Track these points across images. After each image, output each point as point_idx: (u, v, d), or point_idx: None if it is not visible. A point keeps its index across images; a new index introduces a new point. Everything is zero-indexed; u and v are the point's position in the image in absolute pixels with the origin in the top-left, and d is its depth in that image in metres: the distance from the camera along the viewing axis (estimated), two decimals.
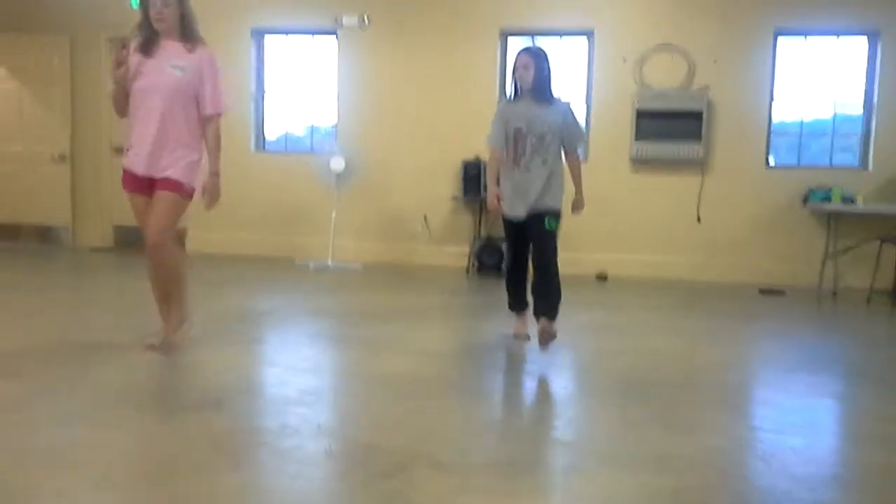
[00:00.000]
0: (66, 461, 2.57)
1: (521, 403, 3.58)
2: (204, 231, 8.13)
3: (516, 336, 4.48)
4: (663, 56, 7.55)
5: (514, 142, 4.14)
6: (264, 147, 8.55)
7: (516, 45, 7.73)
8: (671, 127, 7.44)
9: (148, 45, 3.73)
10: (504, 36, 7.89)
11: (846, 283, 7.05)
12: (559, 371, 3.96)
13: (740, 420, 3.32)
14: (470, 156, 7.54)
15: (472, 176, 7.53)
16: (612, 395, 3.57)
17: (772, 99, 7.52)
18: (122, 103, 3.79)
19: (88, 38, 8.49)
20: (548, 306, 4.12)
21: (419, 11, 7.94)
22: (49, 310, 5.17)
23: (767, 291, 6.85)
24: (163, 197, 3.75)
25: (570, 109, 4.22)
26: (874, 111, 7.34)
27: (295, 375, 3.72)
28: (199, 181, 3.84)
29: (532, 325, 4.32)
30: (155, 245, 3.76)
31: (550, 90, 4.16)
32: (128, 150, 3.84)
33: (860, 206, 6.98)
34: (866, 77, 7.43)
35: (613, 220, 7.61)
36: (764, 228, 7.50)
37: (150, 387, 3.53)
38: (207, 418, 3.04)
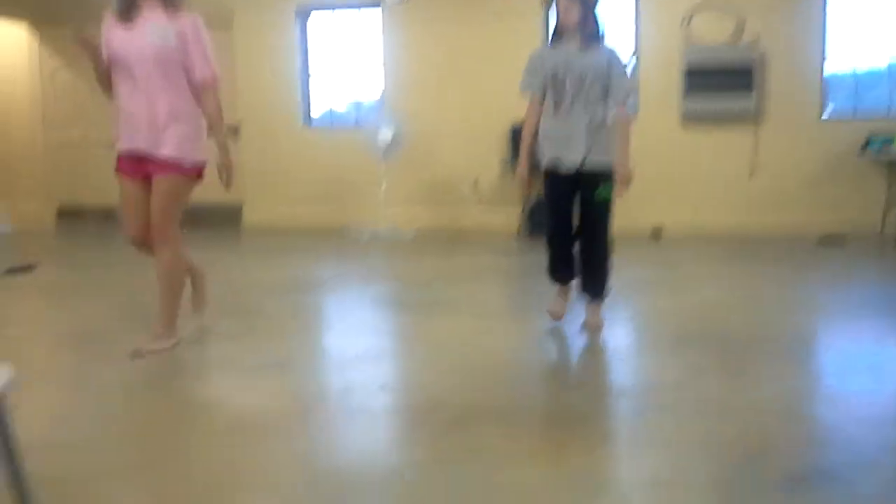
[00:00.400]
0: (137, 420, 2.73)
1: (581, 356, 3.61)
2: (258, 206, 8.29)
3: (550, 313, 3.95)
4: (711, 12, 7.39)
5: (553, 87, 3.77)
6: (312, 123, 8.64)
7: None
8: (721, 82, 7.30)
9: (127, 13, 3.44)
10: (548, 0, 7.80)
11: None
12: (618, 325, 3.96)
13: (803, 366, 3.31)
14: (518, 119, 7.49)
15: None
16: (673, 346, 3.57)
17: (824, 49, 7.30)
18: (106, 82, 3.54)
19: None
20: (594, 287, 3.79)
21: None
22: (106, 289, 5.33)
23: (827, 241, 6.71)
24: (160, 185, 3.43)
25: (617, 55, 3.74)
26: None
27: (356, 338, 3.81)
28: (201, 152, 3.53)
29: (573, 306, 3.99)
30: (157, 242, 3.47)
31: (596, 32, 3.70)
32: (115, 140, 3.55)
33: None
34: None
35: (665, 176, 7.50)
36: (821, 179, 7.32)
37: (213, 354, 3.66)
38: (274, 381, 3.15)
